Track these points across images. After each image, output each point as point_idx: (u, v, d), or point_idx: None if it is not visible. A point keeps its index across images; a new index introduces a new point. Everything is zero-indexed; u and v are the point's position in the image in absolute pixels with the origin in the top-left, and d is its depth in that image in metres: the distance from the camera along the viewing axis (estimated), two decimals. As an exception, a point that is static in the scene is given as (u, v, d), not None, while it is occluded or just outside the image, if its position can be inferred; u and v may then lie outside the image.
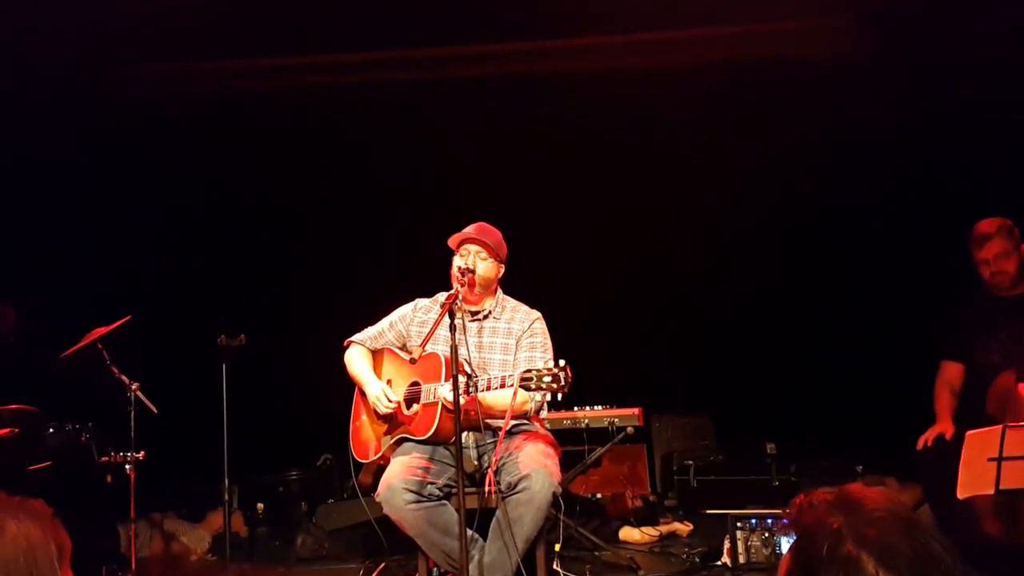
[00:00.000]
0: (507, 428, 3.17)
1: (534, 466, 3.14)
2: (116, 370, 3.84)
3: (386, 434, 3.49)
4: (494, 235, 3.53)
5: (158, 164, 5.39)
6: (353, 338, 3.70)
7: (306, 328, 5.19)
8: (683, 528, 4.62)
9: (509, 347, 3.48)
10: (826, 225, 5.31)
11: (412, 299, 3.69)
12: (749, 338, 5.50)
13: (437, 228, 3.65)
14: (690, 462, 5.15)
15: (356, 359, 3.64)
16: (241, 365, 3.97)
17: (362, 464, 3.58)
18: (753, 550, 3.72)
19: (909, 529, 1.21)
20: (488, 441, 3.40)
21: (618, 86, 5.24)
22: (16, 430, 3.81)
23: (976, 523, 3.21)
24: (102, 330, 3.86)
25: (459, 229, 3.55)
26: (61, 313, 4.57)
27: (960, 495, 2.90)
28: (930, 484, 3.58)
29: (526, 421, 3.43)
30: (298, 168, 5.65)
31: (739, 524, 3.75)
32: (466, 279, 3.35)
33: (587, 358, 3.36)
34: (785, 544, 3.64)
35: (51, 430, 3.96)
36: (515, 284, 3.68)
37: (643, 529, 4.54)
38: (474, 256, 3.46)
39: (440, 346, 3.35)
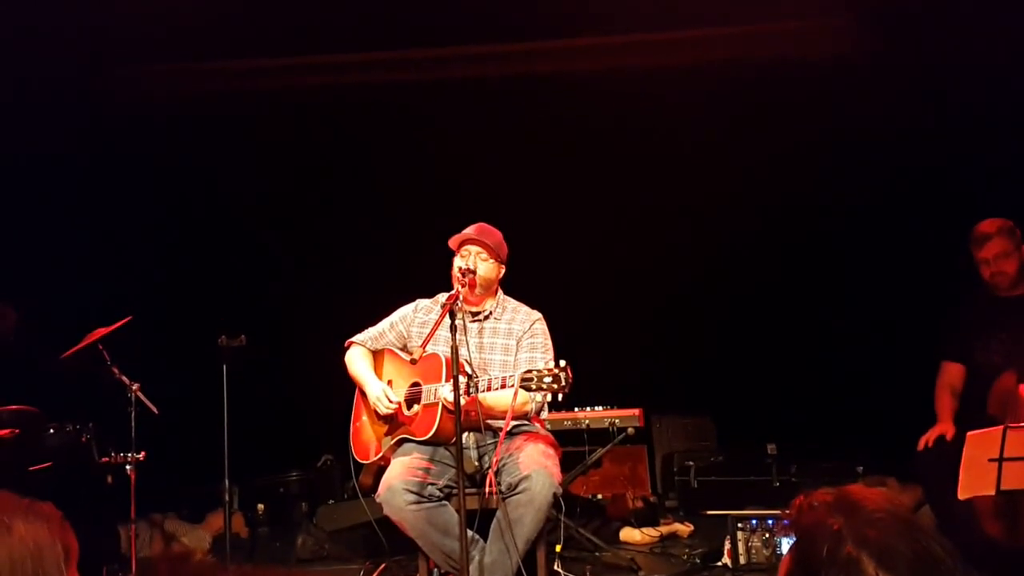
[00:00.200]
0: (507, 429, 3.17)
1: (535, 467, 3.14)
2: (116, 370, 3.84)
3: (387, 435, 3.49)
4: (494, 236, 3.53)
5: (158, 164, 5.39)
6: (354, 339, 3.70)
7: (306, 328, 5.19)
8: (684, 529, 4.61)
9: (510, 348, 3.48)
10: (826, 225, 5.30)
11: (412, 300, 3.69)
12: (749, 338, 5.49)
13: (437, 228, 3.65)
14: (691, 463, 5.14)
15: (356, 360, 3.64)
16: (241, 365, 3.97)
17: (363, 465, 3.58)
18: (754, 551, 3.72)
19: (910, 530, 1.21)
20: (489, 442, 3.40)
21: (618, 86, 5.24)
22: (16, 431, 3.82)
23: (977, 524, 3.21)
24: (102, 330, 3.86)
25: (459, 229, 3.55)
26: (61, 313, 4.57)
27: (961, 496, 2.90)
28: (931, 485, 3.58)
29: (527, 422, 3.43)
30: (298, 168, 5.65)
31: (740, 525, 3.74)
32: (467, 280, 3.35)
33: (587, 359, 3.36)
34: (785, 545, 3.64)
35: (51, 431, 3.96)
36: (515, 284, 3.68)
37: (644, 530, 4.54)
38: (475, 257, 3.46)
39: (441, 347, 3.35)
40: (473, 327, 3.49)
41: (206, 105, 5.37)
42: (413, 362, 3.27)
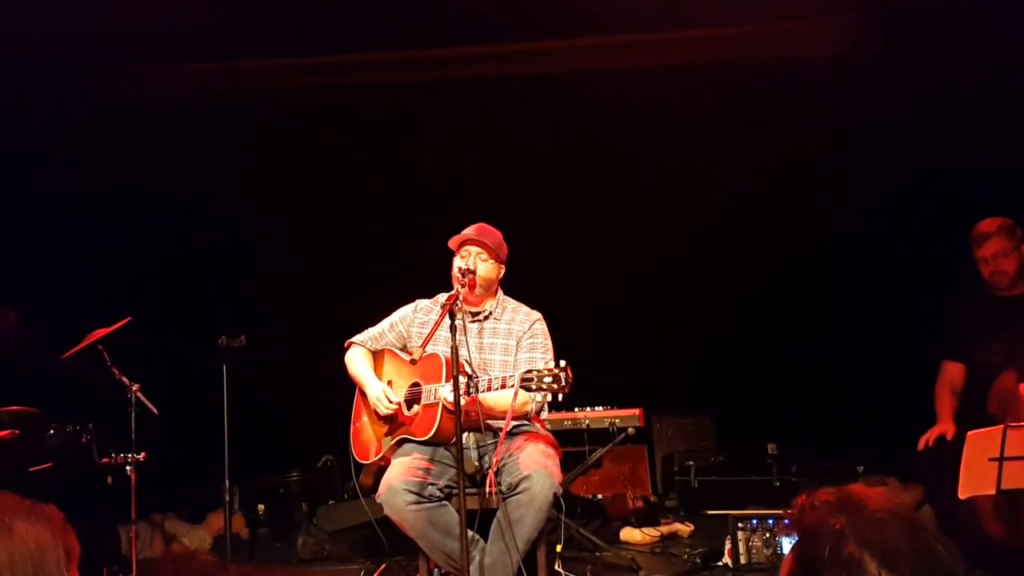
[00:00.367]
0: (508, 429, 3.17)
1: (535, 467, 3.13)
2: (117, 371, 3.84)
3: (387, 435, 3.49)
4: (494, 236, 3.53)
5: (158, 164, 5.38)
6: (353, 339, 3.70)
7: (306, 328, 5.19)
8: (684, 529, 4.61)
9: (510, 348, 3.48)
10: (826, 225, 5.30)
11: (412, 300, 3.69)
12: (749, 338, 5.49)
13: (437, 228, 3.65)
14: (691, 463, 5.14)
15: (356, 360, 3.64)
16: (241, 366, 3.97)
17: (363, 465, 3.57)
18: (754, 551, 3.72)
19: (911, 530, 1.21)
20: (489, 442, 3.40)
21: (618, 86, 5.24)
22: (16, 431, 3.81)
23: (977, 523, 3.21)
24: (102, 331, 3.85)
25: (459, 230, 3.55)
26: (61, 313, 4.57)
27: (961, 495, 2.90)
28: (931, 484, 3.58)
29: (527, 422, 3.43)
30: (298, 168, 5.65)
31: (740, 525, 3.74)
32: (467, 280, 3.35)
33: (587, 359, 3.36)
34: (786, 545, 3.64)
35: (51, 431, 3.95)
36: (515, 285, 3.68)
37: (644, 530, 4.54)
38: (475, 257, 3.46)
39: (440, 347, 3.35)
40: (473, 327, 3.49)
41: (206, 105, 5.37)
42: (413, 362, 3.27)
